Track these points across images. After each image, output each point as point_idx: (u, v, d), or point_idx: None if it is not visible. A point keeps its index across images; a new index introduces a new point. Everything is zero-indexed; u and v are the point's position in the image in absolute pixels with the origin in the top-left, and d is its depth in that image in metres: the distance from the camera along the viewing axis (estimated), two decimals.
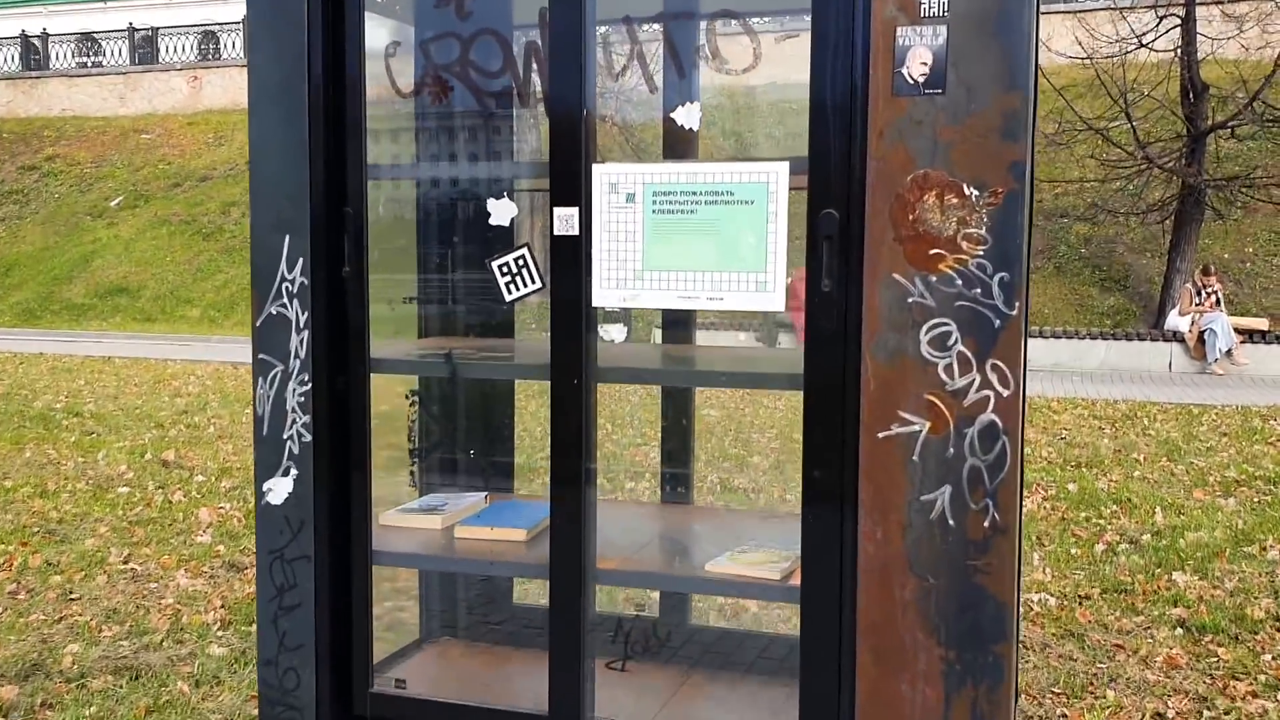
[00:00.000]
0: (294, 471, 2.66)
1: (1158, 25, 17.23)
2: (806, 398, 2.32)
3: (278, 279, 2.63)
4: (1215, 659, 4.67)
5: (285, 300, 2.64)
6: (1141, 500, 7.45)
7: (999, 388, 2.18)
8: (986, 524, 2.20)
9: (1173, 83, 17.42)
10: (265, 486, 2.68)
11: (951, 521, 2.21)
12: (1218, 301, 16.12)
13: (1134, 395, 13.11)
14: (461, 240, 3.17)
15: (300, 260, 2.62)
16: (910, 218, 2.20)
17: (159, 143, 28.24)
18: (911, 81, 2.18)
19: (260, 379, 2.66)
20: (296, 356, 2.64)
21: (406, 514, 2.96)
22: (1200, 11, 17.53)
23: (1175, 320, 16.41)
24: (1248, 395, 13.36)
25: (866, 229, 2.22)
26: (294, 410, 2.65)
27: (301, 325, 2.62)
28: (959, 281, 2.18)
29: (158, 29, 31.30)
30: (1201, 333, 15.82)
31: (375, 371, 2.70)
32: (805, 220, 2.29)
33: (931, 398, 2.21)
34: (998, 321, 2.17)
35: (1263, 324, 16.45)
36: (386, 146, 2.92)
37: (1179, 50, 17.19)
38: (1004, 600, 2.20)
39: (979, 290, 2.17)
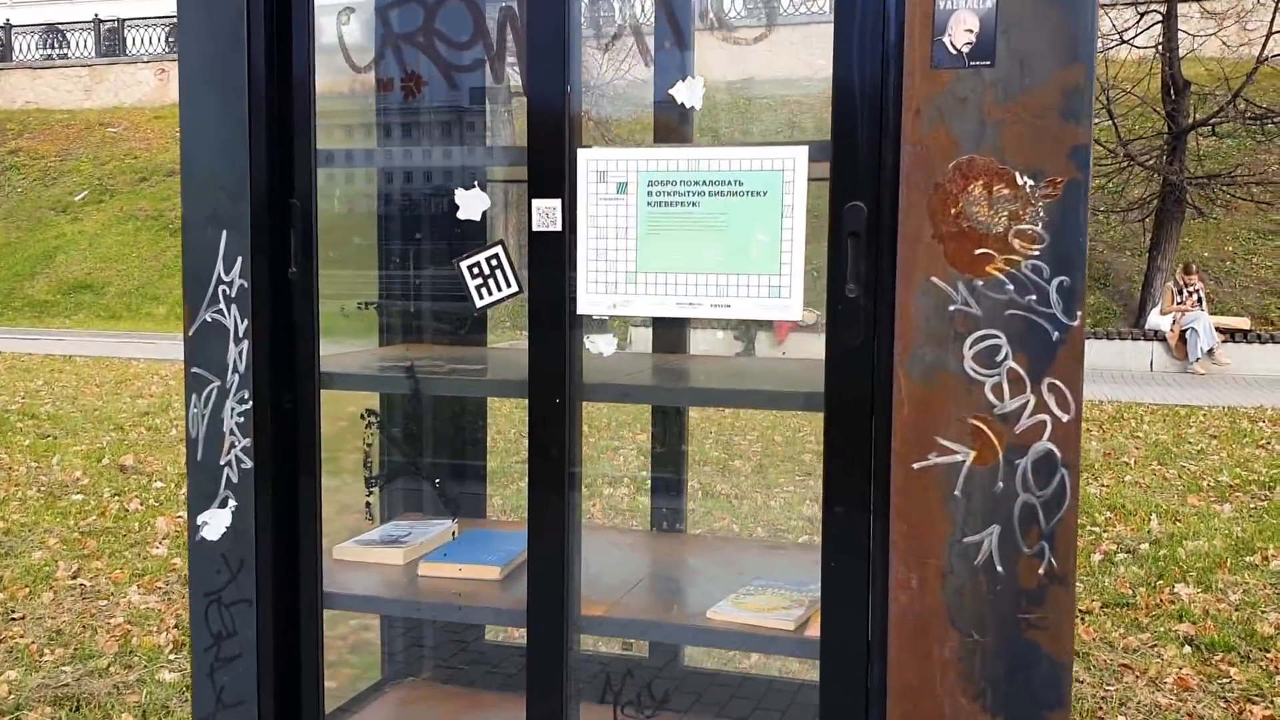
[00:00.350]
0: (232, 503, 2.31)
1: (1139, 21, 17.07)
2: (827, 421, 2.00)
3: (213, 281, 2.29)
4: (1228, 680, 4.50)
5: (222, 306, 2.29)
6: (1136, 506, 7.26)
7: (1057, 411, 1.86)
8: (1041, 571, 1.88)
9: (1154, 80, 17.27)
10: (200, 520, 2.33)
11: (1000, 568, 1.89)
12: (1199, 300, 16.00)
13: (1116, 395, 12.94)
14: (427, 236, 2.83)
15: (239, 260, 2.27)
16: (952, 212, 1.88)
17: (125, 136, 27.78)
18: (955, 51, 1.86)
19: (194, 396, 2.32)
20: (235, 370, 2.29)
21: (365, 547, 2.62)
22: (1180, 8, 17.38)
23: (1156, 319, 16.28)
24: (1231, 395, 13.23)
25: (900, 225, 1.90)
26: (232, 432, 2.30)
27: (241, 334, 2.28)
28: (1010, 286, 1.86)
29: (124, 20, 30.74)
30: (1183, 332, 15.69)
31: (327, 387, 2.36)
32: (827, 215, 1.97)
33: (977, 422, 1.89)
34: (1056, 334, 1.85)
35: (1244, 323, 16.37)
36: (339, 130, 2.58)
37: (1160, 47, 17.05)
38: (1060, 659, 1.88)
39: (1034, 297, 1.86)
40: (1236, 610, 5.25)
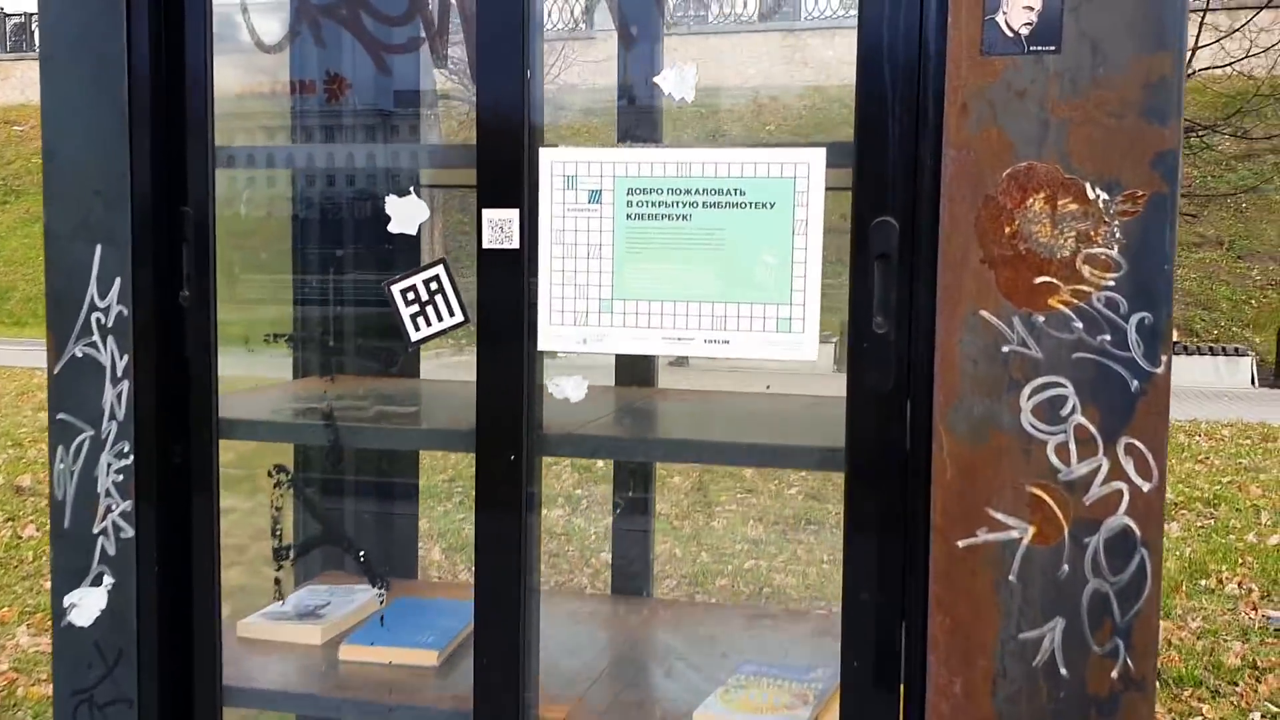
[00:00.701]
0: (108, 580, 1.88)
1: None
2: (849, 486, 1.63)
3: (84, 308, 1.86)
4: (1200, 718, 4.26)
5: (96, 338, 1.86)
6: None
7: (1135, 479, 1.52)
8: (1115, 674, 1.53)
9: None
10: (67, 601, 1.90)
11: (1064, 670, 1.54)
12: None
13: None
14: (351, 253, 2.42)
15: (117, 282, 1.85)
16: (1006, 231, 1.53)
17: (33, 135, 26.83)
18: (1011, 34, 1.51)
19: (60, 449, 1.88)
20: (113, 418, 1.86)
21: (275, 621, 2.20)
22: None
23: None
24: None
25: (941, 246, 1.54)
26: (109, 493, 1.87)
27: (119, 373, 1.85)
28: (1078, 324, 1.52)
29: (33, 15, 29.63)
30: None
31: (227, 436, 1.93)
32: (850, 232, 1.60)
33: (1037, 491, 1.54)
34: (1135, 382, 1.51)
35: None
36: (244, 122, 2.16)
37: None
38: None
39: (1108, 337, 1.51)
40: (1199, 639, 5.08)
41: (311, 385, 2.39)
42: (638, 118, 2.35)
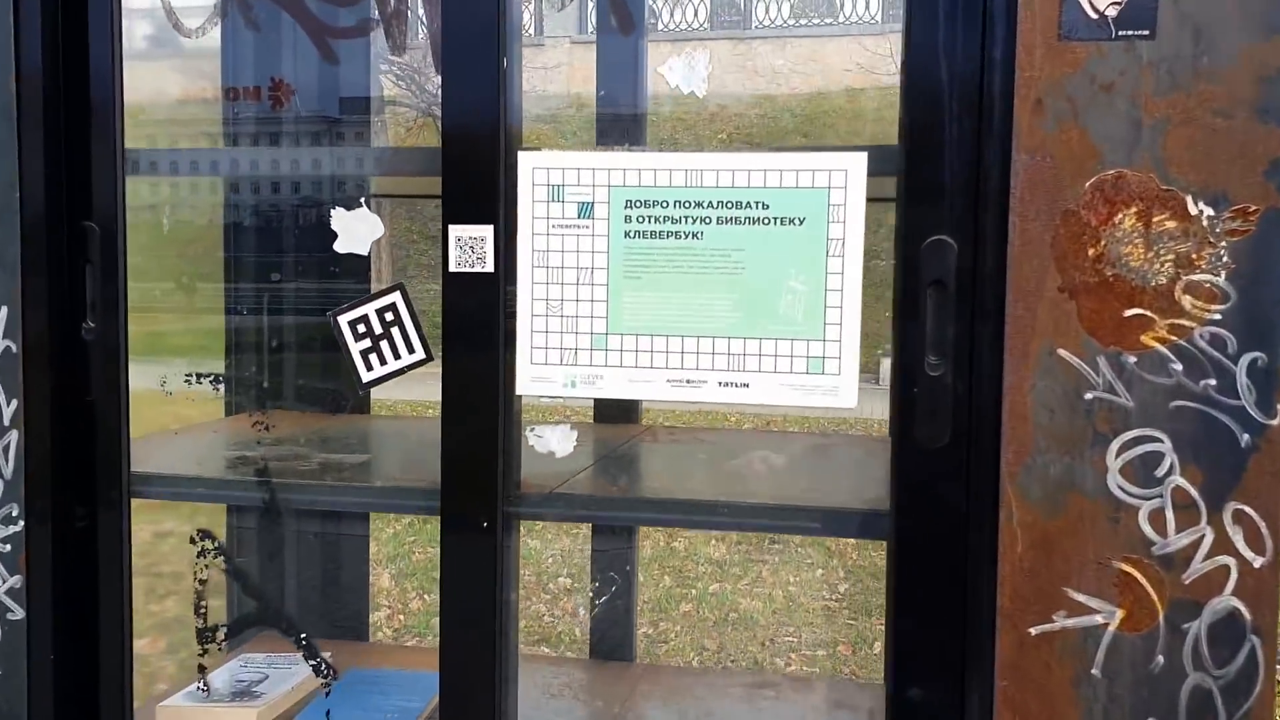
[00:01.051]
0: None
1: None
2: (897, 560, 1.36)
3: None
4: None
5: None
6: None
7: (1246, 552, 1.26)
8: None
9: None
10: None
11: None
12: None
13: None
14: (292, 274, 2.11)
15: (4, 311, 1.54)
16: (1090, 253, 1.27)
17: None
18: (1096, 16, 1.25)
19: None
20: None
21: (204, 704, 1.88)
22: None
23: None
24: None
25: (1009, 272, 1.28)
26: None
27: (6, 421, 1.54)
28: (1177, 365, 1.26)
29: None
30: None
31: (141, 495, 1.63)
32: (895, 253, 1.34)
33: (1127, 568, 1.28)
34: (1245, 436, 1.25)
35: None
36: (161, 122, 1.85)
37: None
38: None
39: (1213, 382, 1.25)
40: None
41: (244, 425, 2.08)
42: (609, 125, 2.09)
